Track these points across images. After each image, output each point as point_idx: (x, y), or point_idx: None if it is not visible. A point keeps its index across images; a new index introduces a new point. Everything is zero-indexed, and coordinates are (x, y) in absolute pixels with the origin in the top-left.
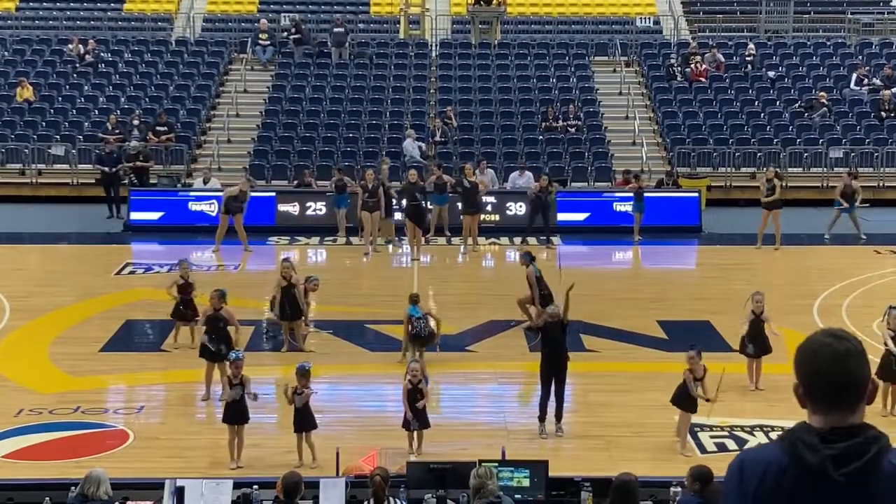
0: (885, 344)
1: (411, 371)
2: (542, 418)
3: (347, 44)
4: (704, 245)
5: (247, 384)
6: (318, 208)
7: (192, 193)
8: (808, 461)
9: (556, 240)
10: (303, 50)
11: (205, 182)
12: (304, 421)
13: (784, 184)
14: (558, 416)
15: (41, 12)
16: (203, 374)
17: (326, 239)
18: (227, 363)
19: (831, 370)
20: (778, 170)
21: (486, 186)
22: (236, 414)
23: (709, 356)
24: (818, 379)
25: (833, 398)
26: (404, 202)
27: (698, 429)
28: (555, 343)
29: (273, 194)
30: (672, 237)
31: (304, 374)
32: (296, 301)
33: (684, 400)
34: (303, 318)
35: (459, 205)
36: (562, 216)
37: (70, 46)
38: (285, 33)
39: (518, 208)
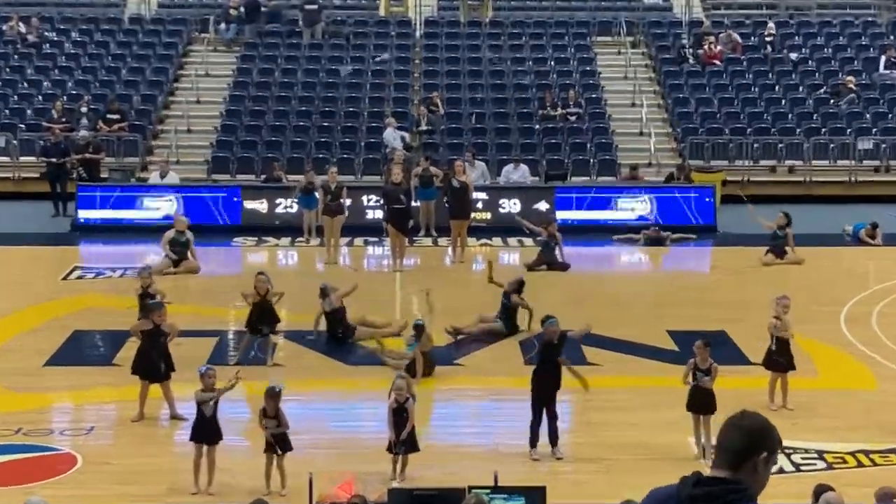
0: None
1: (396, 389)
2: (533, 443)
3: (322, 23)
4: (719, 246)
5: (217, 398)
6: (288, 205)
7: (147, 189)
8: (680, 496)
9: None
10: (255, 28)
11: (161, 176)
12: (208, 431)
13: (807, 178)
14: (553, 441)
15: None
16: (159, 391)
17: (298, 240)
18: (200, 375)
19: (721, 435)
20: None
21: (472, 187)
22: (207, 432)
23: (725, 371)
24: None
25: (718, 455)
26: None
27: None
28: (552, 362)
29: (238, 189)
30: (683, 237)
31: (272, 396)
32: (271, 312)
33: (697, 401)
34: (275, 331)
35: (447, 205)
36: (561, 214)
37: (10, 25)
38: (234, 11)
39: (512, 205)
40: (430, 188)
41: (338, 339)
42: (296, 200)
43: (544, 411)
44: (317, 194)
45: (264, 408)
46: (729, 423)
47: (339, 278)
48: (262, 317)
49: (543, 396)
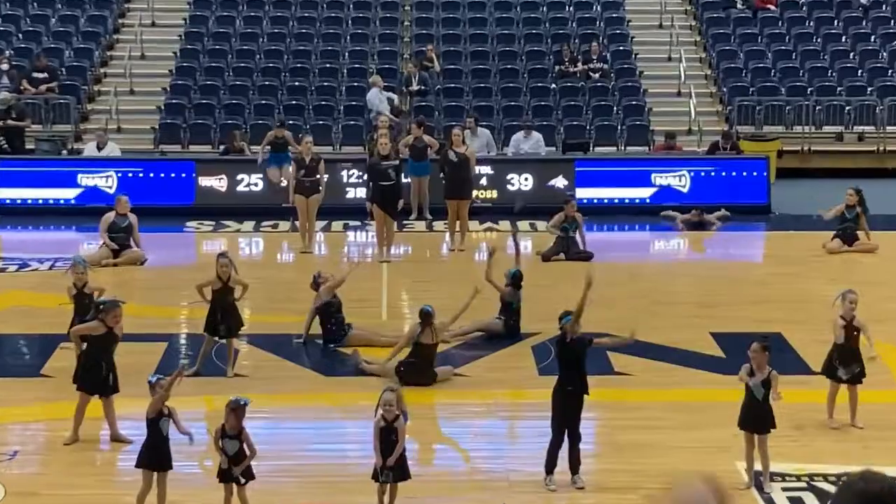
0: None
1: (384, 403)
2: (550, 469)
3: None
4: (774, 230)
5: (175, 417)
6: (252, 182)
7: (81, 163)
8: None
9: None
10: None
11: (99, 148)
12: (160, 455)
13: (881, 148)
14: (574, 466)
15: None
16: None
17: (264, 224)
18: (150, 387)
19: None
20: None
21: (474, 158)
22: (156, 457)
23: (781, 381)
24: None
25: None
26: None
27: (776, 478)
28: (573, 369)
29: (192, 164)
30: (731, 220)
31: (235, 410)
32: (234, 310)
33: (751, 416)
34: (237, 334)
35: (444, 181)
36: (582, 192)
37: None
38: None
39: (522, 181)
40: (424, 161)
41: (327, 334)
42: (264, 163)
43: (565, 431)
44: (291, 152)
45: (223, 425)
46: (846, 489)
47: (315, 269)
48: (224, 314)
49: (568, 413)
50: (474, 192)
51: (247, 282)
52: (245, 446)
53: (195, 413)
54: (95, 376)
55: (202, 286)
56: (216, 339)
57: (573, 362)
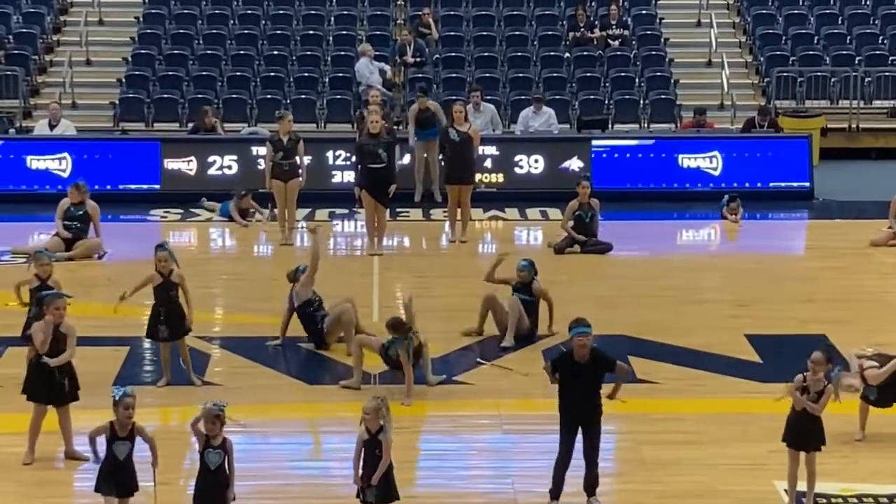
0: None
1: (366, 413)
2: (556, 494)
3: None
4: (818, 219)
5: (142, 435)
6: (225, 165)
7: (32, 143)
8: None
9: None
10: None
11: (51, 125)
12: (122, 477)
13: None
14: (590, 488)
15: None
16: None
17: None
18: (114, 404)
19: None
20: None
21: (478, 137)
22: (119, 480)
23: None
24: None
25: None
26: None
27: (820, 499)
28: (574, 375)
29: (157, 144)
30: (769, 206)
31: (213, 419)
32: (178, 309)
33: (797, 430)
34: (187, 332)
35: (443, 164)
36: (599, 175)
37: None
38: None
39: (532, 164)
40: (432, 128)
41: (313, 336)
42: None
43: (574, 444)
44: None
45: (208, 437)
46: None
47: (295, 260)
48: (168, 314)
49: (571, 422)
50: (477, 176)
51: (187, 285)
52: (227, 463)
53: (166, 427)
54: (46, 383)
55: (139, 286)
56: (157, 340)
57: (573, 375)
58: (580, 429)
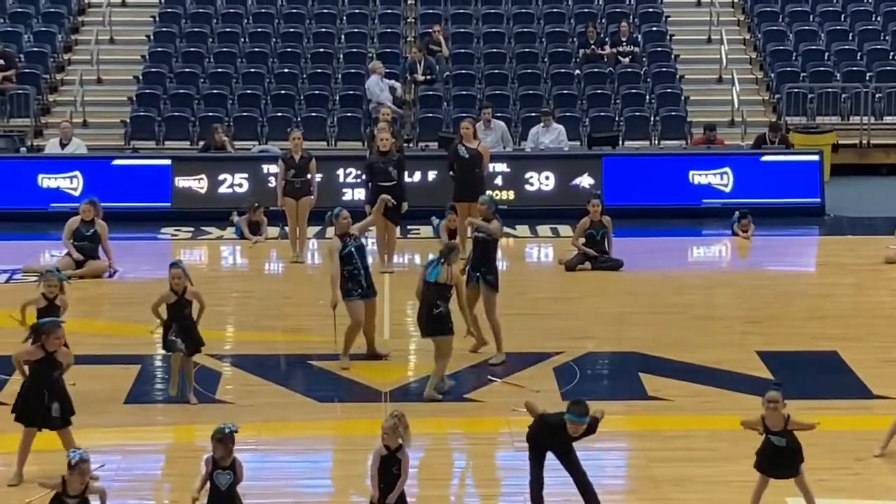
0: None
1: (385, 431)
2: None
3: None
4: (830, 235)
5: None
6: (236, 183)
7: (43, 161)
8: None
9: None
10: None
11: (63, 144)
12: None
13: None
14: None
15: None
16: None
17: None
18: (70, 467)
19: None
20: None
21: (488, 155)
22: None
23: (838, 406)
24: None
25: None
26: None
27: None
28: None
29: (168, 163)
30: (780, 222)
31: (223, 440)
32: (192, 325)
33: (769, 459)
34: (198, 350)
35: (453, 181)
36: (610, 192)
37: None
38: None
39: (543, 181)
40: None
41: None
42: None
43: (544, 463)
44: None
45: (216, 458)
46: None
47: (307, 280)
48: (181, 330)
49: (540, 441)
50: (488, 193)
51: (204, 300)
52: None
53: (177, 445)
54: (36, 406)
55: (156, 305)
56: (174, 353)
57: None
58: (554, 451)
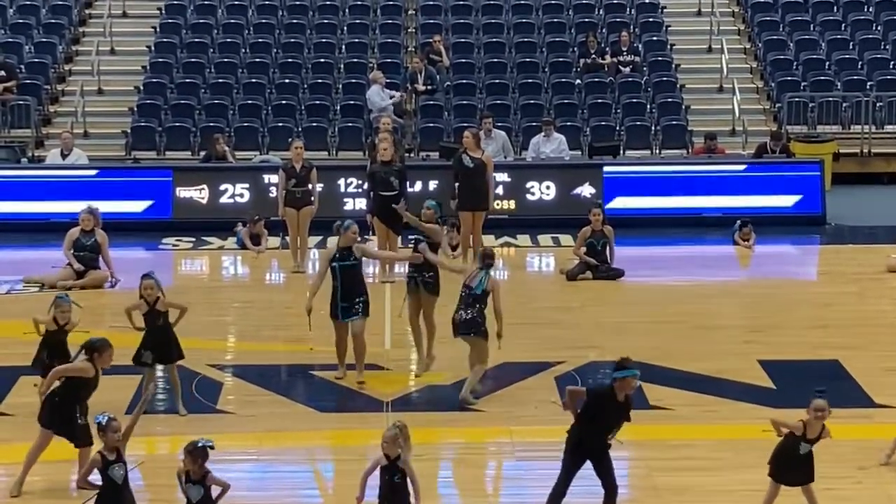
0: None
1: (385, 441)
2: None
3: None
4: (830, 244)
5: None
6: (237, 193)
7: (44, 173)
8: None
9: None
10: None
11: (64, 155)
12: None
13: None
14: None
15: None
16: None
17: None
18: (99, 428)
19: None
20: None
21: (492, 164)
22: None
23: (840, 415)
24: None
25: None
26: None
27: None
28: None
29: (169, 173)
30: (781, 231)
31: (192, 452)
32: (167, 337)
33: (787, 467)
34: (178, 358)
35: (457, 191)
36: (612, 202)
37: None
38: None
39: (544, 190)
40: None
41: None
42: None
43: (573, 476)
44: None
45: (188, 471)
46: None
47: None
48: (156, 341)
49: (578, 455)
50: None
51: (184, 304)
52: (212, 490)
53: (176, 456)
54: (68, 419)
55: (129, 310)
56: (146, 367)
57: (600, 417)
58: (590, 458)
